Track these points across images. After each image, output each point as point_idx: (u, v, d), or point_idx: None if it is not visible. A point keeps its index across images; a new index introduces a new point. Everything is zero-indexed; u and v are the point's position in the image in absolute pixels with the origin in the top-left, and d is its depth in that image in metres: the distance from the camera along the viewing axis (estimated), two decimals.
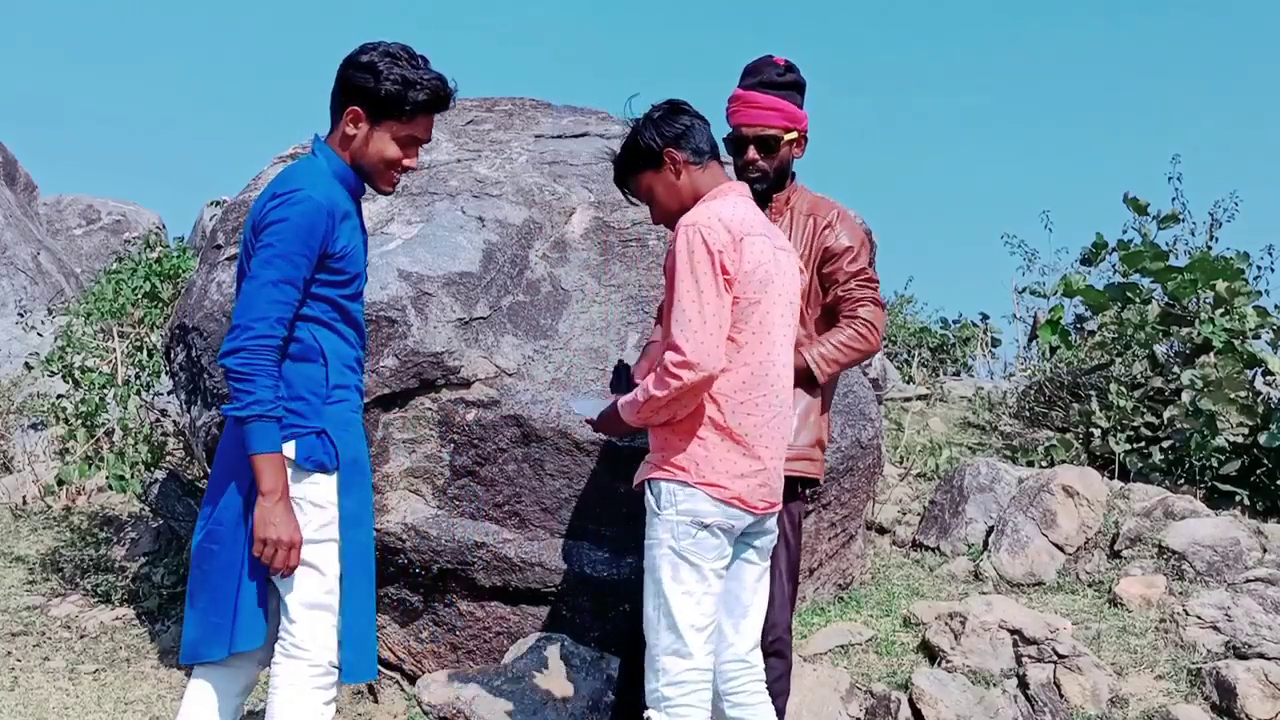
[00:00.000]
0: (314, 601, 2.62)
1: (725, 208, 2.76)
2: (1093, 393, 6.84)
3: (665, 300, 2.78)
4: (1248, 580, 4.47)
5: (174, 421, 6.37)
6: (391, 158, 2.71)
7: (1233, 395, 5.91)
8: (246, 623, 2.61)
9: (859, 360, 3.28)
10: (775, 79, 3.23)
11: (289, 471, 2.60)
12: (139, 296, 7.38)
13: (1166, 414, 6.24)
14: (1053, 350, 7.93)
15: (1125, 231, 8.46)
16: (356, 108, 2.67)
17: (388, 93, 2.63)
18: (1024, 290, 9.74)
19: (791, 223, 3.27)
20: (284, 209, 2.58)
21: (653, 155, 2.85)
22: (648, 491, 2.78)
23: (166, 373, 5.80)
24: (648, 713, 2.74)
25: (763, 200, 3.25)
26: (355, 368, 2.75)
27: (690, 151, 2.85)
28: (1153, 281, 7.26)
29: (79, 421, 6.19)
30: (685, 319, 2.63)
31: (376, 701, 4.24)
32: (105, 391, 6.29)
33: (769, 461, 2.78)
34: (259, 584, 2.62)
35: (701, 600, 2.72)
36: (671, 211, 2.90)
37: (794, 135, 3.25)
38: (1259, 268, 8.45)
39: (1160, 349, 6.88)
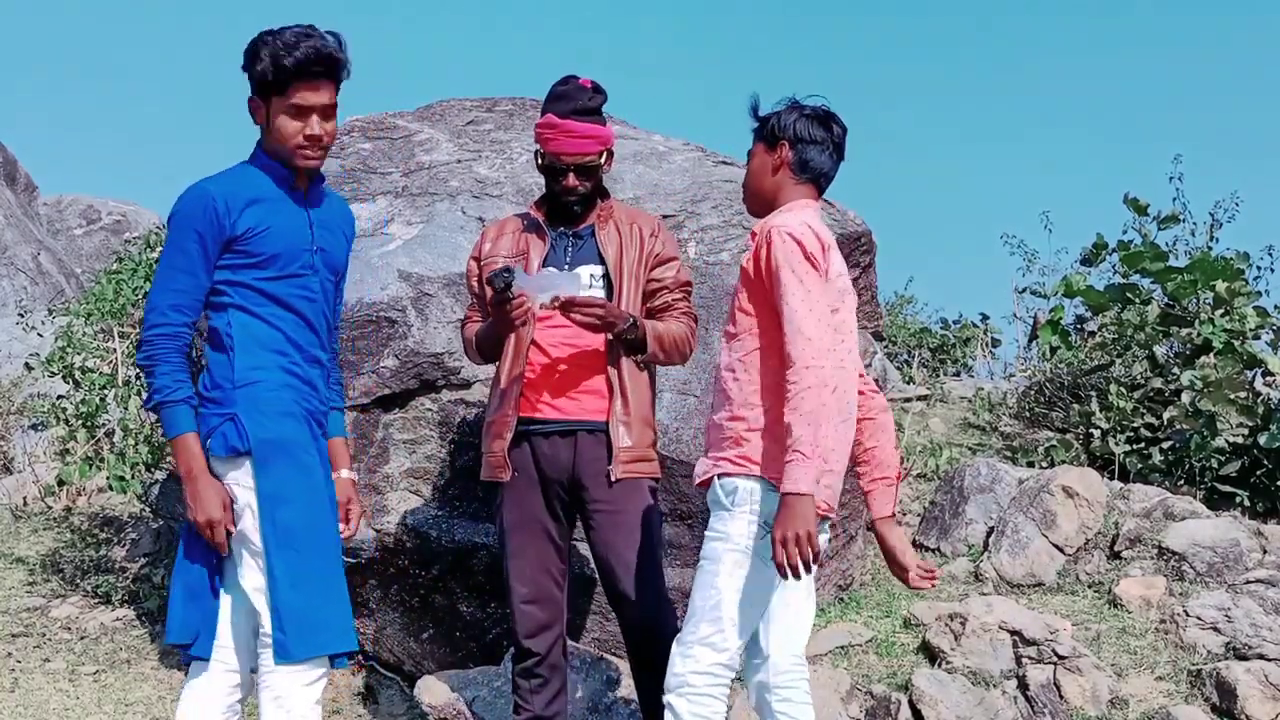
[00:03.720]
0: (263, 585, 2.69)
1: (810, 217, 2.83)
2: (1093, 393, 6.83)
3: (750, 298, 2.82)
4: (1248, 581, 4.47)
5: None
6: (289, 132, 2.73)
7: (1233, 396, 5.91)
8: (172, 617, 2.75)
9: (674, 361, 3.42)
10: (587, 104, 3.32)
11: (218, 463, 2.69)
12: (139, 297, 7.38)
13: (1166, 415, 6.23)
14: (1053, 351, 7.92)
15: (1125, 232, 8.43)
16: (253, 98, 2.75)
17: (262, 71, 2.70)
18: (1024, 291, 9.73)
19: (618, 230, 3.36)
20: (175, 205, 2.73)
21: (773, 136, 2.90)
22: (717, 487, 2.80)
23: None
24: (667, 697, 2.75)
25: (581, 215, 3.37)
26: (287, 350, 2.75)
27: (800, 161, 2.88)
28: (1153, 282, 7.24)
29: (79, 422, 6.20)
30: (798, 318, 2.68)
31: (376, 702, 4.25)
32: (105, 392, 6.29)
33: (835, 464, 2.80)
34: (187, 578, 2.75)
35: (754, 601, 2.74)
36: (749, 190, 2.97)
37: (606, 155, 3.37)
38: (1259, 268, 8.44)
39: (1160, 350, 6.87)
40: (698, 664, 2.73)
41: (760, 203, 2.94)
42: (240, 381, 2.70)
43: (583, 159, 3.30)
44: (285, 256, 2.75)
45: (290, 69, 2.67)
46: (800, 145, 2.88)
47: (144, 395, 2.70)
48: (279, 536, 2.67)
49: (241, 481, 2.69)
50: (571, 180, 3.31)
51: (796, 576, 2.63)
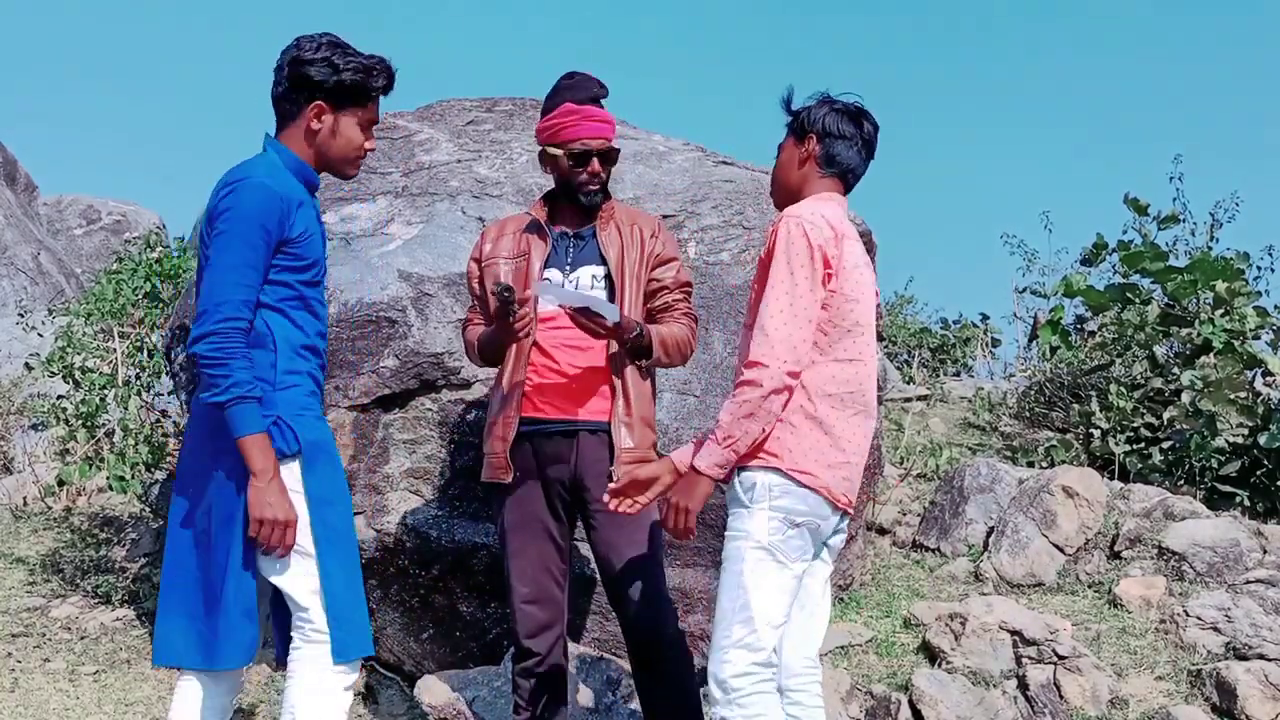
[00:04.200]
0: (317, 586, 2.66)
1: (829, 209, 2.80)
2: (1093, 393, 6.84)
3: (755, 289, 2.80)
4: (1248, 581, 4.47)
5: (174, 422, 6.37)
6: (357, 143, 2.81)
7: (1233, 396, 5.92)
8: (230, 637, 2.63)
9: (675, 363, 3.40)
10: (598, 94, 3.34)
11: None
12: (139, 296, 7.37)
13: (1166, 415, 6.24)
14: (1053, 351, 7.93)
15: (1125, 232, 8.45)
16: (320, 101, 2.75)
17: (352, 82, 2.74)
18: (1024, 290, 9.75)
19: (619, 231, 3.35)
20: (235, 196, 2.64)
21: (802, 129, 2.87)
22: (736, 483, 2.77)
23: (167, 373, 5.81)
24: (717, 710, 2.69)
25: (593, 212, 3.35)
26: (308, 355, 2.76)
27: (827, 155, 2.86)
28: (1153, 282, 7.25)
29: (79, 422, 6.19)
30: (767, 313, 2.67)
31: (377, 702, 4.25)
32: (106, 392, 6.29)
33: (852, 457, 2.79)
34: (245, 594, 2.64)
35: (780, 598, 2.71)
36: (776, 182, 2.95)
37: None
38: (1259, 268, 8.45)
39: (1160, 350, 6.88)
40: (735, 667, 2.67)
41: (786, 195, 2.91)
42: (281, 384, 2.68)
43: (607, 142, 3.31)
44: (319, 263, 2.77)
45: (382, 88, 2.79)
46: (828, 139, 2.84)
47: (205, 387, 2.59)
48: (329, 537, 2.67)
49: (286, 483, 2.64)
50: (596, 165, 3.30)
51: (677, 537, 2.78)
